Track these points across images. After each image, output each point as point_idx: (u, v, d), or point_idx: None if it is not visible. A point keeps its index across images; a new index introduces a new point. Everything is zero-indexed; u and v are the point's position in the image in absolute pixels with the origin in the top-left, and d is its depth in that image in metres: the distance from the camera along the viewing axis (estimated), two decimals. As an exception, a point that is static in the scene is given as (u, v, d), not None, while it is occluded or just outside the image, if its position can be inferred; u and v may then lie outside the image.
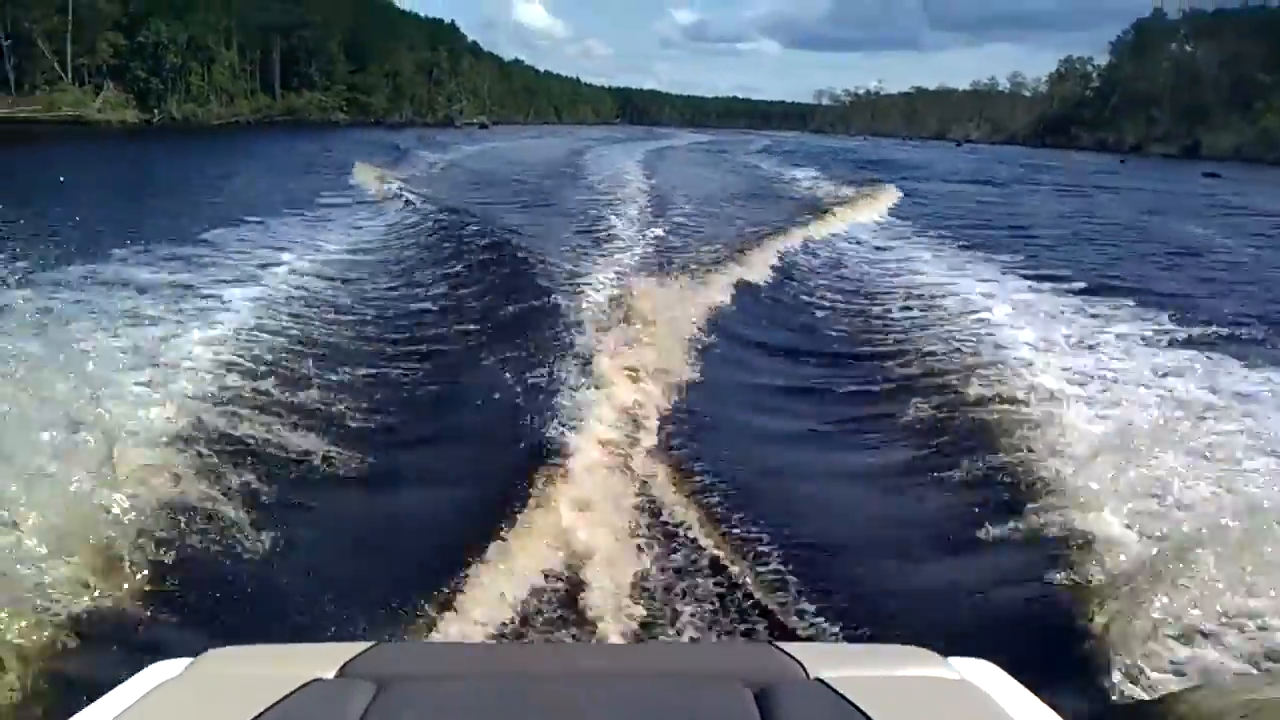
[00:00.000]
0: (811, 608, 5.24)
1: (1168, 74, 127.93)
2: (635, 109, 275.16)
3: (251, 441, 7.20)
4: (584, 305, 11.80)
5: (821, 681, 1.72)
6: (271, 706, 1.57)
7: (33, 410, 5.71)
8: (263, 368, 9.15)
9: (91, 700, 1.76)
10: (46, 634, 4.44)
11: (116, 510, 5.45)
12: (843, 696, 1.64)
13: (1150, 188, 48.15)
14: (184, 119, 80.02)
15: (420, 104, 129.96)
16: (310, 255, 16.38)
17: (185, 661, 1.87)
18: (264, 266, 14.66)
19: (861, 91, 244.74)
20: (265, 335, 10.35)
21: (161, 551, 5.35)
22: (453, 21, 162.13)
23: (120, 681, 1.82)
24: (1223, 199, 41.73)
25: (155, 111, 78.24)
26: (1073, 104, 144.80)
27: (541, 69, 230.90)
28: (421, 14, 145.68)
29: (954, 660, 1.90)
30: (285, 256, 15.94)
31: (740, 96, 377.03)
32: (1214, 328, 12.15)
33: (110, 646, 4.51)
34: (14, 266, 7.94)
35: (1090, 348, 10.87)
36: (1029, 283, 15.44)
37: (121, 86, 77.00)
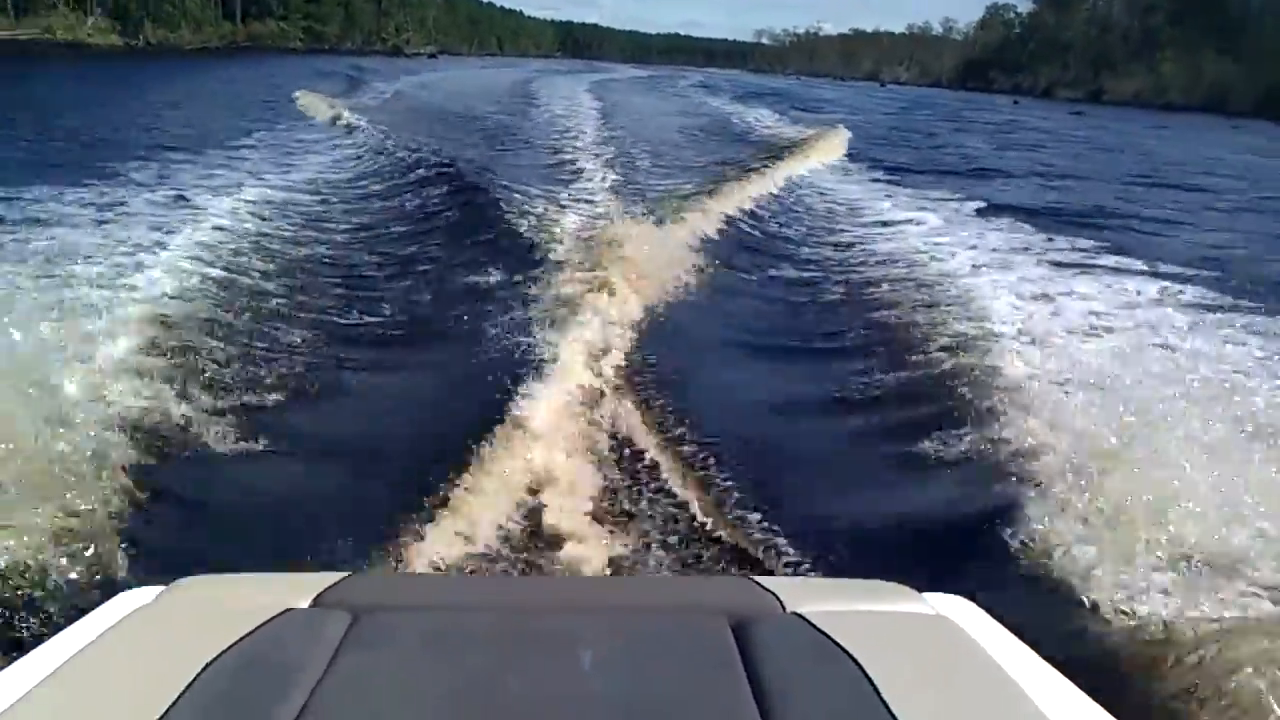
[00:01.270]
0: (787, 544, 5.17)
1: (1082, 23, 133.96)
2: (576, 43, 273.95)
3: (219, 369, 7.09)
4: (549, 240, 11.76)
5: (799, 615, 1.75)
6: (245, 635, 1.58)
7: None
8: (226, 293, 9.04)
9: (60, 629, 1.74)
10: (9, 562, 4.31)
11: (80, 437, 5.28)
12: (819, 630, 1.67)
13: (1019, 121, 55.12)
14: (159, 44, 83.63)
15: (370, 33, 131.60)
16: (282, 177, 16.56)
17: (156, 590, 1.86)
18: (228, 188, 14.64)
19: (801, 32, 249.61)
20: (224, 262, 10.15)
21: (128, 480, 5.23)
22: None
23: (89, 610, 1.81)
24: (1062, 130, 50.46)
25: (137, 37, 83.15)
26: (994, 49, 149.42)
27: (484, 0, 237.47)
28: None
29: (929, 596, 1.93)
30: (256, 178, 16.06)
31: (682, 34, 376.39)
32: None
33: (76, 576, 4.40)
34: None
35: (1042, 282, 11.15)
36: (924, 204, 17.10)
37: (106, 13, 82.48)
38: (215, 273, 9.65)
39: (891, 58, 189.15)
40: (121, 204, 12.55)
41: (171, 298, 8.53)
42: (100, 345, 6.82)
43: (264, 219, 12.68)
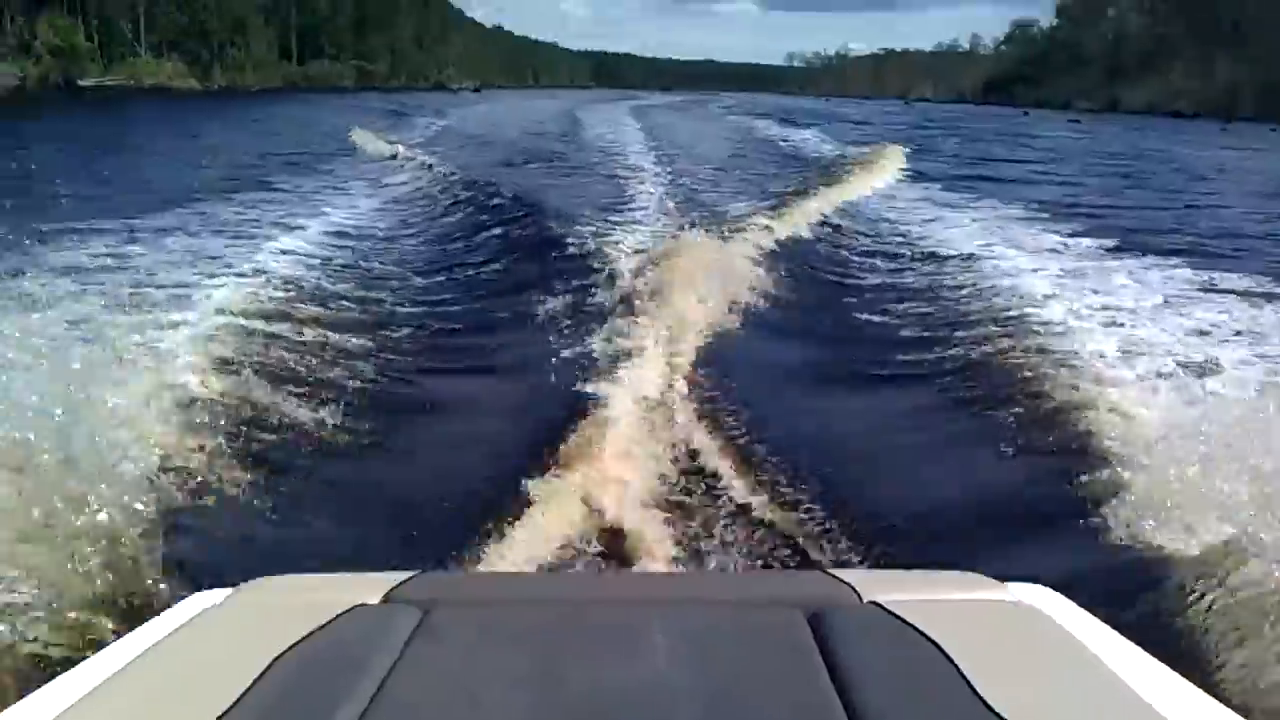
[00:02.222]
0: (861, 537, 5.19)
1: (1099, 36, 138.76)
2: (610, 73, 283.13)
3: (293, 380, 7.32)
4: (612, 259, 11.80)
5: (876, 604, 1.70)
6: (315, 631, 1.60)
7: (70, 345, 5.88)
8: (307, 307, 9.48)
9: (134, 628, 1.77)
10: (88, 564, 4.35)
11: (159, 441, 5.48)
12: (899, 618, 1.63)
13: (1024, 131, 59.67)
14: (228, 85, 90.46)
15: (415, 70, 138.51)
16: (349, 211, 16.82)
17: (227, 591, 1.88)
18: (303, 219, 15.04)
19: (830, 54, 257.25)
20: (305, 284, 10.54)
21: (201, 485, 5.39)
22: None
23: (161, 611, 1.83)
24: (1060, 138, 54.87)
25: (209, 79, 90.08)
26: (1017, 64, 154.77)
27: (519, 33, 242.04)
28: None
29: (1011, 585, 1.86)
30: (327, 210, 16.50)
31: (713, 60, 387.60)
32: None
33: (150, 578, 4.47)
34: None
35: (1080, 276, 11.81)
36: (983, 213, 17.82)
37: (182, 58, 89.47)
38: (296, 288, 10.15)
39: (919, 76, 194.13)
40: (204, 225, 13.69)
41: (257, 305, 9.13)
42: (179, 347, 7.16)
43: (333, 246, 13.15)
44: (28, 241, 8.83)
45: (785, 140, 39.09)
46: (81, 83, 75.71)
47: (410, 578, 1.86)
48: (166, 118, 49.65)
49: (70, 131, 36.55)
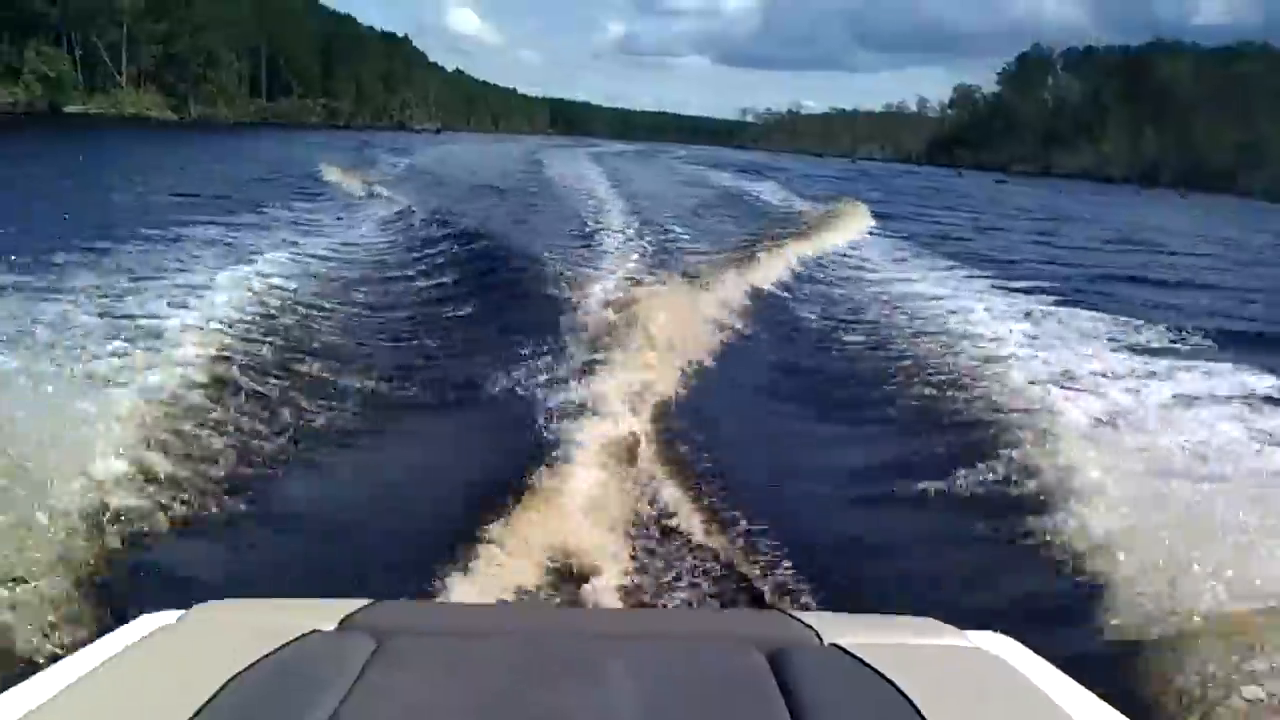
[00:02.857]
0: (821, 581, 5.29)
1: (1038, 104, 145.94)
2: (567, 120, 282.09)
3: (253, 409, 7.35)
4: (577, 301, 12.02)
5: (837, 646, 1.73)
6: (267, 655, 1.57)
7: (28, 364, 6.15)
8: (265, 339, 9.44)
9: (80, 647, 1.73)
10: (35, 582, 4.35)
11: (113, 463, 5.50)
12: (860, 660, 1.65)
13: (950, 188, 66.66)
14: (201, 118, 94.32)
15: (379, 109, 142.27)
16: (316, 244, 16.77)
17: (178, 613, 1.84)
18: (270, 251, 14.83)
19: (783, 110, 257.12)
20: (268, 314, 10.59)
21: (153, 506, 5.40)
22: (405, 35, 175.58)
23: (110, 631, 1.79)
24: (977, 195, 61.10)
25: (185, 112, 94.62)
26: (961, 128, 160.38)
27: (479, 78, 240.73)
28: (376, 26, 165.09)
29: (969, 632, 1.90)
30: (287, 242, 16.47)
31: (669, 112, 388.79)
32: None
33: (100, 599, 4.46)
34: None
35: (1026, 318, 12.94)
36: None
37: (159, 90, 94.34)
38: (258, 319, 10.16)
39: (867, 135, 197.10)
40: (178, 255, 13.65)
41: (219, 334, 9.06)
42: (136, 377, 7.14)
43: (295, 280, 12.99)
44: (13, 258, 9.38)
45: (739, 190, 42.64)
46: (66, 110, 79.68)
47: (366, 605, 1.84)
48: (144, 146, 52.10)
49: (52, 154, 39.25)
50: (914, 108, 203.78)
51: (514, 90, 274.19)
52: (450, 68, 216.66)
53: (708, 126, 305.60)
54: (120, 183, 26.48)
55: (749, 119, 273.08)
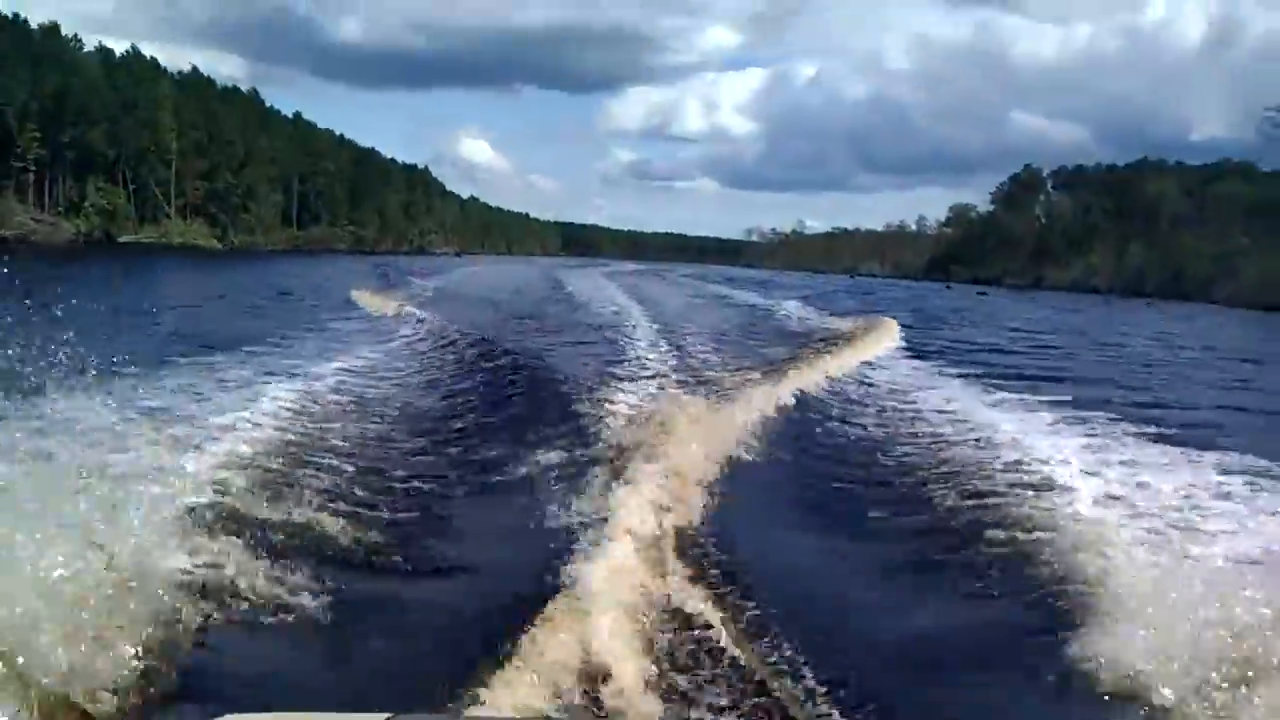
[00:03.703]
0: (852, 701, 5.30)
1: (1028, 221, 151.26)
2: (579, 242, 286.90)
3: (276, 527, 7.35)
4: (597, 416, 12.23)
5: None
6: None
7: (57, 481, 5.83)
8: (291, 458, 9.55)
9: None
10: (56, 699, 4.26)
11: (132, 579, 5.29)
12: None
13: (940, 301, 70.81)
14: (241, 245, 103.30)
15: (400, 235, 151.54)
16: (346, 363, 16.91)
17: None
18: (305, 369, 15.33)
19: (787, 230, 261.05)
20: (295, 430, 10.77)
21: (175, 623, 5.36)
22: (426, 166, 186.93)
23: None
24: (966, 305, 66.50)
25: (225, 240, 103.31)
26: (957, 245, 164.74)
27: (494, 204, 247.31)
28: (398, 158, 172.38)
29: None
30: (322, 363, 16.60)
31: (676, 232, 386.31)
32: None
33: (123, 713, 4.53)
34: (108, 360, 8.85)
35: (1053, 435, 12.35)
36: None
37: (205, 220, 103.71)
38: (285, 438, 10.32)
39: (866, 253, 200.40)
40: (219, 369, 14.14)
41: (240, 458, 9.03)
42: (175, 481, 7.22)
43: (330, 397, 13.36)
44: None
45: (742, 302, 47.53)
46: (121, 239, 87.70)
47: (386, 719, 1.56)
48: (194, 272, 56.51)
49: (106, 278, 43.36)
50: (913, 226, 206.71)
51: (526, 215, 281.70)
52: (465, 194, 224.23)
53: (714, 246, 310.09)
54: (170, 306, 28.59)
55: (754, 238, 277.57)
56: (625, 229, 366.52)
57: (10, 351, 7.21)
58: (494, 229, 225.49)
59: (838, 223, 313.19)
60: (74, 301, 9.72)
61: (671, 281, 71.29)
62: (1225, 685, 4.90)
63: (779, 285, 72.75)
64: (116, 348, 10.59)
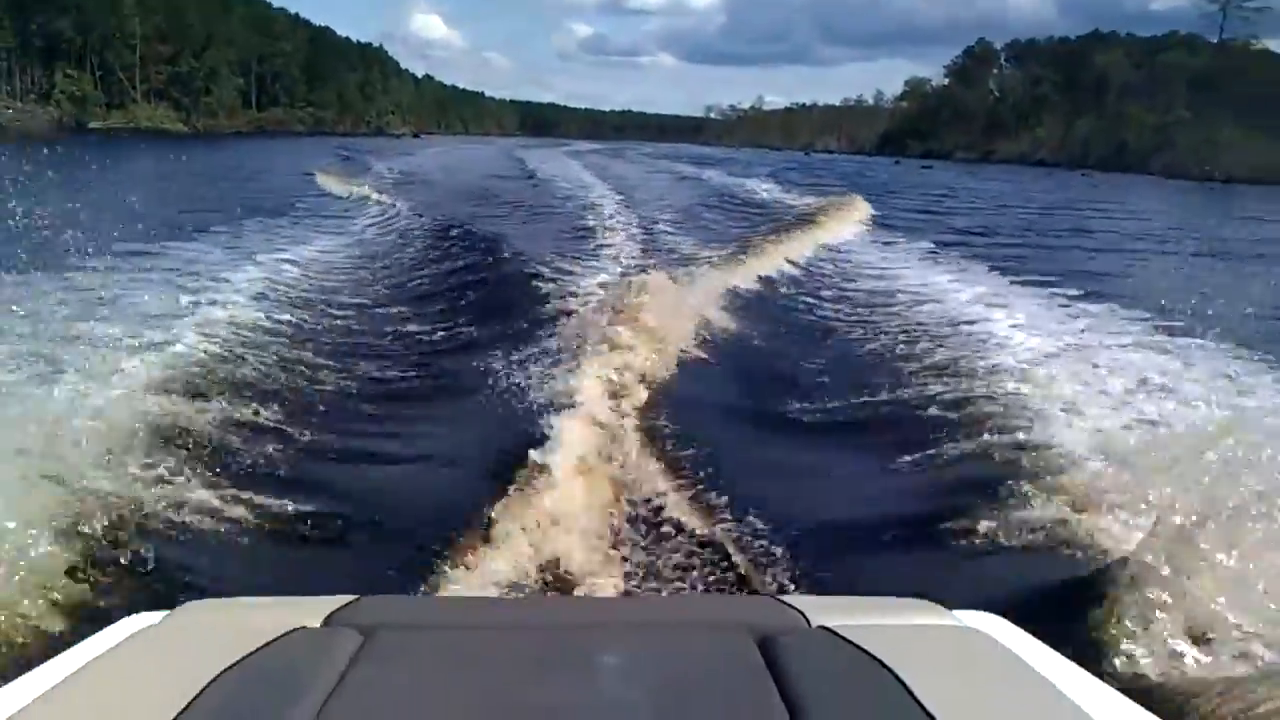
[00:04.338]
0: (808, 565, 5.35)
1: (981, 95, 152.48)
2: (536, 122, 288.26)
3: (245, 404, 7.44)
4: (567, 293, 12.48)
5: (826, 629, 1.74)
6: (252, 653, 1.57)
7: (23, 364, 6.05)
8: (256, 337, 9.78)
9: (62, 650, 1.74)
10: (14, 585, 4.36)
11: (91, 464, 5.47)
12: (849, 642, 1.65)
13: (882, 172, 75.78)
14: (206, 129, 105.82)
15: (358, 117, 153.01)
16: (312, 247, 17.48)
17: (162, 613, 1.84)
18: (267, 253, 15.63)
19: (746, 106, 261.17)
20: (263, 312, 10.99)
21: (136, 508, 5.40)
22: (380, 45, 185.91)
23: (93, 633, 1.78)
24: (899, 176, 71.45)
25: (189, 124, 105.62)
26: (911, 119, 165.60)
27: (447, 82, 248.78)
28: (351, 36, 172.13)
29: (958, 612, 1.92)
30: (285, 245, 17.24)
31: (635, 110, 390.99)
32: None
33: (83, 600, 4.51)
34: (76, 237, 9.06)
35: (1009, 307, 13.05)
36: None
37: (169, 105, 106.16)
38: (251, 317, 10.57)
39: (824, 129, 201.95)
40: (176, 255, 14.35)
41: (212, 331, 9.40)
42: (134, 368, 7.33)
43: (293, 279, 13.66)
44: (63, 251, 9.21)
45: (698, 178, 51.15)
46: (91, 125, 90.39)
47: (351, 601, 1.84)
48: (162, 154, 55.93)
49: (84, 161, 40.25)
50: (870, 101, 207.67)
51: (482, 94, 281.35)
52: (420, 73, 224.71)
53: (674, 124, 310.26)
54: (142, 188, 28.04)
55: (714, 115, 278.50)
56: (583, 107, 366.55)
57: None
58: (450, 108, 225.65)
59: (798, 99, 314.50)
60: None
61: (631, 160, 74.39)
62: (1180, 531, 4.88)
63: (715, 161, 76.78)
64: (87, 232, 10.22)
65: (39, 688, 1.53)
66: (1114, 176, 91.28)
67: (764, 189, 41.01)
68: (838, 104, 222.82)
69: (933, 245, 22.11)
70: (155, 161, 49.54)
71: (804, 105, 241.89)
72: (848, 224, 25.35)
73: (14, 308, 8.27)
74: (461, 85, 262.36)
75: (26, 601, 4.38)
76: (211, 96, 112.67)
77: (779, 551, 5.54)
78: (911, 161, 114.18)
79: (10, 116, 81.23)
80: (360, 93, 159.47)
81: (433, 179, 42.76)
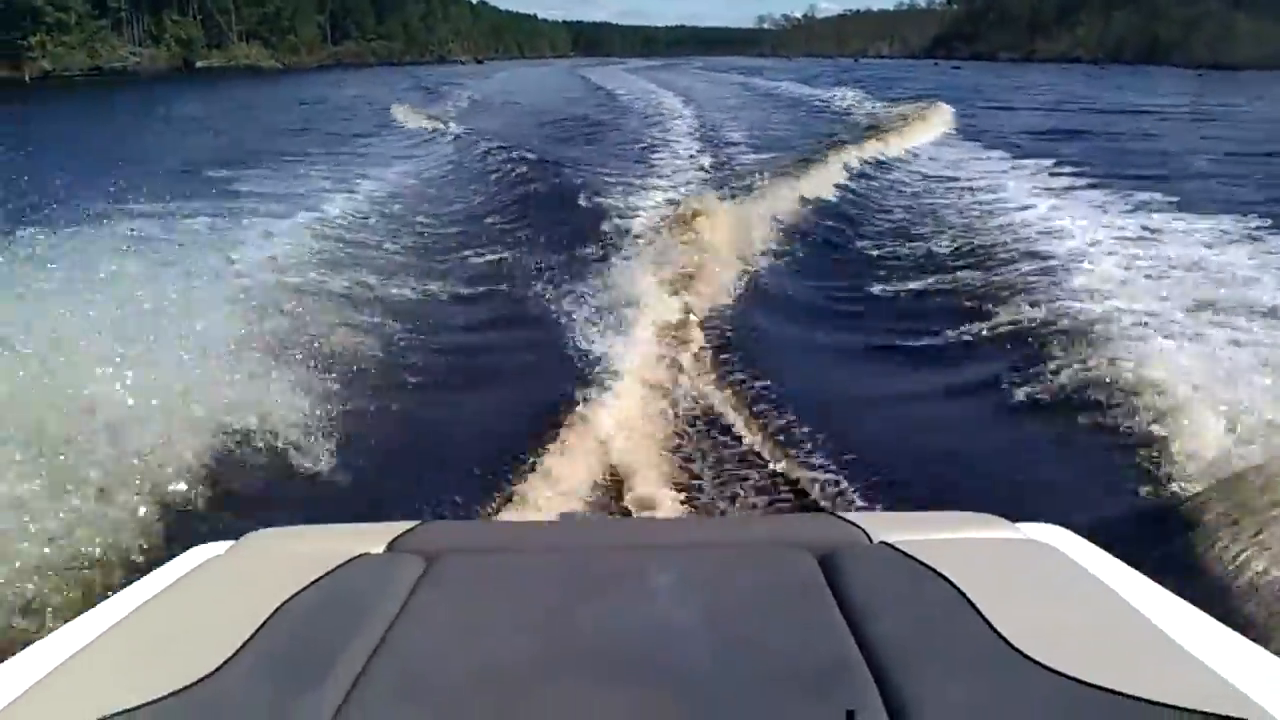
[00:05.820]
0: (871, 483, 5.39)
1: None
2: (589, 41, 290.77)
3: (311, 335, 7.42)
4: (634, 215, 12.76)
5: (887, 544, 1.74)
6: (317, 580, 1.63)
7: (92, 307, 6.05)
8: (328, 266, 10.02)
9: (133, 580, 1.80)
10: (82, 517, 4.51)
11: (161, 395, 5.51)
12: (911, 556, 1.66)
13: (922, 75, 78.41)
14: (291, 65, 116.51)
15: (422, 48, 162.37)
16: (390, 175, 18.27)
17: (228, 543, 1.91)
18: (347, 182, 16.45)
19: (799, 16, 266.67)
20: (339, 239, 11.45)
21: (203, 440, 5.52)
22: None
23: (162, 564, 1.85)
24: (937, 76, 76.13)
25: (278, 60, 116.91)
26: (958, 21, 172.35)
27: (502, 7, 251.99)
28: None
29: (1022, 525, 1.91)
30: (369, 174, 18.06)
31: (687, 25, 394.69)
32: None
33: (150, 533, 4.65)
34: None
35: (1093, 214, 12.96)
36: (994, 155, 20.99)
37: (259, 44, 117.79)
38: (326, 246, 11.04)
39: (877, 35, 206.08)
40: (268, 177, 16.24)
41: (284, 260, 9.83)
42: (203, 305, 7.18)
43: (370, 206, 14.48)
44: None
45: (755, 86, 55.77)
46: (198, 65, 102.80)
47: (414, 527, 1.89)
48: (274, 88, 63.48)
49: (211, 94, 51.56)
50: (923, 4, 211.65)
51: (534, 16, 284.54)
52: (475, 0, 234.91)
53: (725, 37, 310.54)
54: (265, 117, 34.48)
55: (766, 26, 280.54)
56: (634, 24, 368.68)
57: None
58: (505, 33, 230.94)
59: (851, 6, 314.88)
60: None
61: (685, 72, 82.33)
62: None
63: (763, 70, 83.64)
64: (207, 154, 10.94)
65: (110, 619, 1.60)
66: (1116, 69, 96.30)
67: (802, 90, 46.54)
68: (891, 9, 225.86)
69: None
70: (268, 96, 55.98)
71: (857, 12, 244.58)
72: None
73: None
74: (514, 9, 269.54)
75: (97, 536, 4.52)
76: (295, 35, 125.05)
77: (841, 470, 5.60)
78: (950, 63, 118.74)
79: (134, 61, 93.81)
80: (423, 24, 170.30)
81: (513, 100, 47.03)
